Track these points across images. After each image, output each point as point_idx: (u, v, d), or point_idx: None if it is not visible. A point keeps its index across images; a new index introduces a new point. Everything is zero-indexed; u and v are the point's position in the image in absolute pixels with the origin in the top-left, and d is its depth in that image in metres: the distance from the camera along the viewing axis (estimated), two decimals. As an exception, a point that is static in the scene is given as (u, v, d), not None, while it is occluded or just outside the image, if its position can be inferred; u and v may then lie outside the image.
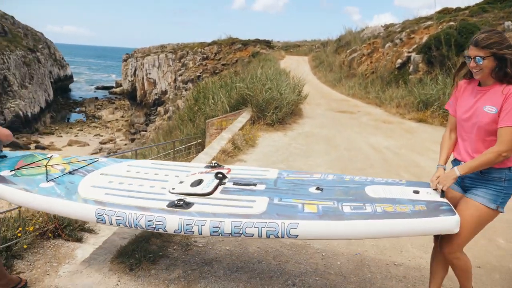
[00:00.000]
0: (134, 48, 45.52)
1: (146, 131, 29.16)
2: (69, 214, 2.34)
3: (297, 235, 1.87)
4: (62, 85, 46.21)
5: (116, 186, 2.39)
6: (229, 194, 2.21)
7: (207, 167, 2.71)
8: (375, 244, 3.22)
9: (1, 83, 28.40)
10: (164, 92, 37.27)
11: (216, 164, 2.70)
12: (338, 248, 3.14)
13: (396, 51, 14.45)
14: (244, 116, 8.40)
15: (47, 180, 2.45)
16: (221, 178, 2.37)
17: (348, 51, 19.32)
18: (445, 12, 16.85)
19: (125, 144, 27.79)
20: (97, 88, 55.44)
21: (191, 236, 3.13)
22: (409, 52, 13.24)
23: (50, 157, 2.83)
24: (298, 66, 24.60)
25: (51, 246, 3.97)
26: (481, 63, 1.97)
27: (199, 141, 9.19)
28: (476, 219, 2.03)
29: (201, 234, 1.98)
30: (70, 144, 28.38)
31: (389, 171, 5.50)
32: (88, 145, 28.22)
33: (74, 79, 54.31)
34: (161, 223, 1.99)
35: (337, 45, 22.74)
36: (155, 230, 2.05)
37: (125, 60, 45.61)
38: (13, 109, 27.71)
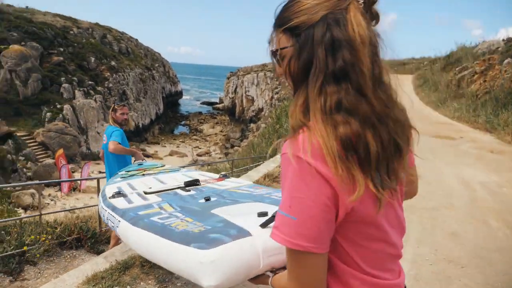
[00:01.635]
0: (239, 66, 47.79)
1: (239, 146, 29.90)
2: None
3: (120, 235, 1.79)
4: (172, 99, 50.72)
5: (134, 185, 2.71)
6: (161, 197, 2.22)
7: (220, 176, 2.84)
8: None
9: (120, 97, 32.13)
10: (261, 110, 38.05)
11: (221, 175, 2.81)
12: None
13: (516, 67, 12.20)
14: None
15: (122, 177, 3.05)
16: (188, 185, 2.45)
17: (457, 68, 17.10)
18: None
19: (219, 158, 28.84)
20: (202, 103, 59.50)
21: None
22: (532, 68, 11.01)
23: (160, 166, 3.55)
24: (399, 85, 22.73)
25: (68, 256, 3.86)
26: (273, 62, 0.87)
27: (266, 161, 8.73)
28: None
29: (105, 221, 2.14)
30: (171, 154, 30.68)
31: (472, 215, 4.26)
32: (186, 156, 30.17)
33: (184, 95, 59.19)
34: (99, 207, 2.39)
35: (445, 62, 20.38)
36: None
37: (228, 78, 48.14)
38: (126, 120, 30.96)
